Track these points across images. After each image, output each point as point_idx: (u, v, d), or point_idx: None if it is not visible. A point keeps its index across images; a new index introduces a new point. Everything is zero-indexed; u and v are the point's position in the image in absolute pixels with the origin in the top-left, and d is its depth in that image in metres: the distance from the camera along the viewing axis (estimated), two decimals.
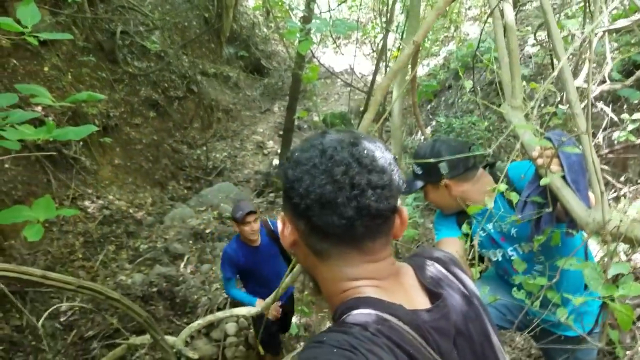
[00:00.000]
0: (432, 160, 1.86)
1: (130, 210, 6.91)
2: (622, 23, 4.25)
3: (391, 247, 0.97)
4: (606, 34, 4.01)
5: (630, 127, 3.97)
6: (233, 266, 3.72)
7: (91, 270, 5.84)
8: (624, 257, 3.19)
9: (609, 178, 4.07)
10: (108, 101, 7.66)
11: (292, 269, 2.28)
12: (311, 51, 7.24)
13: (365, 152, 0.88)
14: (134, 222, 6.78)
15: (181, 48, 9.70)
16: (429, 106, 9.35)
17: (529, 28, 7.88)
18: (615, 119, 4.22)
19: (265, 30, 13.41)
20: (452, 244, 1.88)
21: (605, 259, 1.38)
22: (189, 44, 10.12)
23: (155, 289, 5.62)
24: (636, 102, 4.72)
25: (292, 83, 7.64)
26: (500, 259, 2.07)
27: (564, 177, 1.52)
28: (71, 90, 6.89)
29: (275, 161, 9.46)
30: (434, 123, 8.68)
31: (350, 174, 0.84)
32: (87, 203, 6.49)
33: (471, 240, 1.78)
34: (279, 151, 9.31)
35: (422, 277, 1.00)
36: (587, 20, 5.44)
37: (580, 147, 1.46)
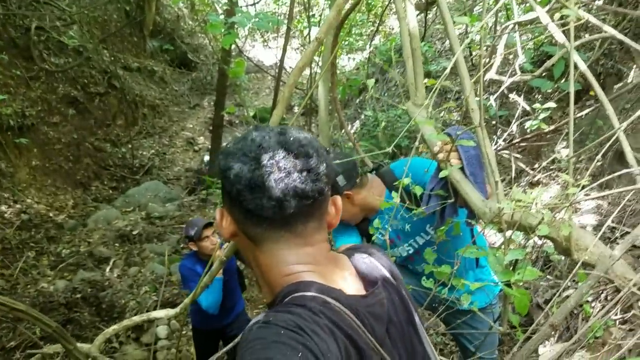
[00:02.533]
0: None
1: (51, 214, 6.59)
2: (530, 16, 4.44)
3: (327, 235, 1.01)
4: (517, 26, 4.19)
5: (542, 115, 4.17)
6: (197, 279, 3.36)
7: (10, 278, 5.54)
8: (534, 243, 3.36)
9: (523, 166, 4.27)
10: (24, 100, 7.25)
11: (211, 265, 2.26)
12: (237, 45, 7.14)
13: (292, 139, 0.93)
14: (55, 226, 6.47)
15: (101, 42, 9.31)
16: (357, 100, 9.45)
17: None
18: (528, 108, 4.41)
19: (190, 23, 13.09)
20: None
21: (504, 247, 1.44)
22: (110, 38, 9.72)
23: (79, 295, 5.40)
24: (549, 91, 4.96)
25: (219, 78, 7.51)
26: (403, 254, 2.15)
27: (463, 170, 1.58)
28: None
29: (207, 157, 9.28)
30: (362, 117, 8.80)
31: (277, 159, 0.90)
32: (3, 208, 6.13)
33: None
34: (210, 147, 9.14)
35: (357, 266, 1.05)
36: (500, 14, 5.66)
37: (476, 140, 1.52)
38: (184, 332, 5.24)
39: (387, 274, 1.08)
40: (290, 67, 13.12)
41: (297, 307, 0.86)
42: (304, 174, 0.91)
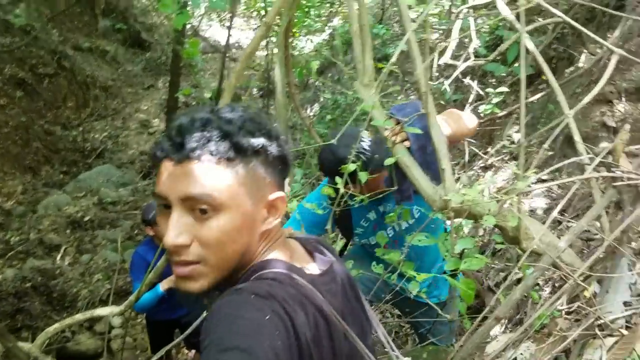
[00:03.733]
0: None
1: None
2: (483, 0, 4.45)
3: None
4: (471, 10, 4.21)
5: (495, 100, 4.22)
6: (144, 270, 3.09)
7: None
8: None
9: (477, 150, 4.32)
10: None
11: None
12: (191, 24, 6.95)
13: (225, 109, 0.91)
14: (3, 212, 6.22)
15: (49, 21, 8.91)
16: (316, 83, 9.38)
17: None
18: (482, 93, 4.45)
19: (144, 1, 12.67)
20: None
21: (453, 235, 1.44)
22: (59, 17, 9.31)
23: (29, 284, 5.22)
24: (504, 75, 5.02)
25: (173, 59, 7.32)
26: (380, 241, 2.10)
27: (414, 155, 1.56)
28: None
29: None
30: (321, 99, 8.74)
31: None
32: None
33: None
34: (164, 130, 8.92)
35: (308, 247, 1.08)
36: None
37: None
38: (139, 321, 5.14)
39: (332, 256, 1.10)
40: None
41: (268, 279, 0.87)
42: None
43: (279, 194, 0.94)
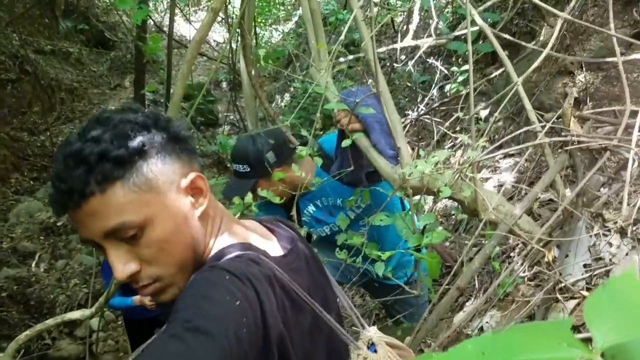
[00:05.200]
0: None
1: None
2: None
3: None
4: None
5: (460, 78, 4.24)
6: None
7: None
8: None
9: (444, 129, 4.35)
10: None
11: None
12: (152, 20, 6.84)
13: (92, 125, 0.86)
14: None
15: (8, 25, 8.68)
16: (285, 73, 9.34)
17: None
18: (447, 72, 4.48)
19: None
20: None
21: (413, 211, 1.45)
22: (18, 21, 9.08)
23: (5, 294, 5.13)
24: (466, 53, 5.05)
25: (136, 56, 7.20)
26: (329, 233, 2.13)
27: (368, 137, 1.57)
28: None
29: None
30: (291, 89, 8.71)
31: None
32: None
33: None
34: None
35: (269, 227, 1.09)
36: None
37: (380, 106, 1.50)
38: (119, 323, 5.10)
39: (296, 235, 1.11)
40: (214, 41, 12.79)
41: (240, 257, 0.87)
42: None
43: (192, 175, 0.91)
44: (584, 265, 1.48)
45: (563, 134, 1.31)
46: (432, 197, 1.68)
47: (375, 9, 1.39)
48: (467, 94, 4.35)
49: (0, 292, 5.13)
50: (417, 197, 1.43)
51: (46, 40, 10.04)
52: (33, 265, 5.71)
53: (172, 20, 4.59)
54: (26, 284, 5.32)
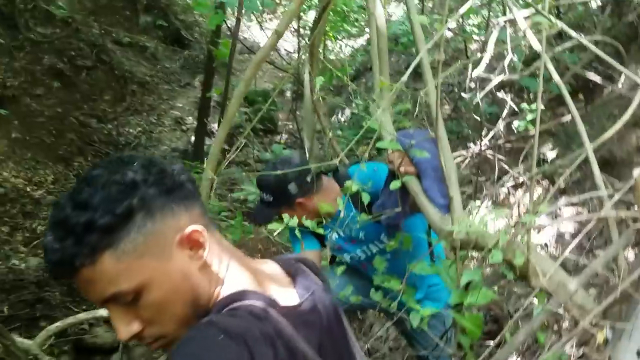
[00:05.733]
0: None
1: (28, 189, 6.45)
2: (521, 14, 4.29)
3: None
4: (507, 23, 4.05)
5: (530, 116, 4.07)
6: None
7: None
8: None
9: (507, 167, 4.17)
10: (6, 69, 7.06)
11: None
12: (227, 24, 6.97)
13: (83, 186, 0.82)
14: (32, 201, 6.34)
15: (91, 14, 9.09)
16: (349, 88, 9.31)
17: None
18: (515, 108, 4.31)
19: None
20: (312, 257, 1.91)
21: (457, 266, 1.35)
22: (100, 11, 9.50)
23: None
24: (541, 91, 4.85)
25: (207, 58, 7.35)
26: (349, 260, 2.10)
27: (420, 181, 1.50)
28: None
29: (193, 138, 9.14)
30: (353, 105, 8.66)
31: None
32: None
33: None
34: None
35: (289, 271, 1.03)
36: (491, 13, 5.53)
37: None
38: None
39: (319, 280, 1.07)
40: (285, 50, 12.94)
41: (243, 313, 0.82)
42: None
43: (189, 229, 0.86)
44: (637, 353, 1.34)
45: (633, 209, 1.18)
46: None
47: (443, 54, 1.31)
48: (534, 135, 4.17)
49: (47, 272, 5.30)
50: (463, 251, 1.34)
51: (125, 32, 10.44)
52: None
53: (237, 26, 4.64)
54: None
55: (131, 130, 9.19)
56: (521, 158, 2.89)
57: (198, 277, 0.87)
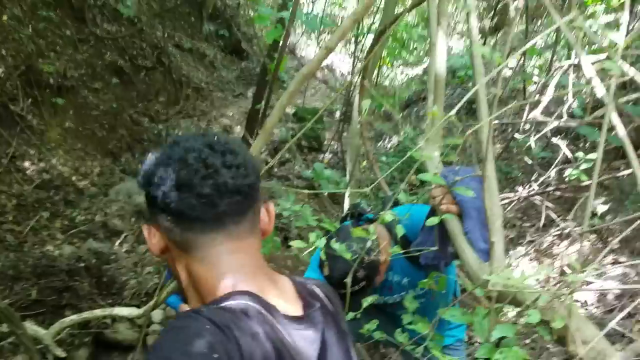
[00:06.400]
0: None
1: (73, 178, 6.60)
2: (588, 59, 4.11)
3: (260, 244, 1.00)
4: (571, 67, 3.91)
5: (584, 166, 3.88)
6: None
7: (19, 235, 5.55)
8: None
9: (554, 216, 3.99)
10: (68, 60, 7.30)
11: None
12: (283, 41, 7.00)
13: (216, 138, 0.93)
14: (75, 190, 6.47)
15: (156, 17, 9.36)
16: (400, 115, 9.23)
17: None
18: (570, 155, 4.13)
19: (251, 12, 13.08)
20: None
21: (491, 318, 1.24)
22: (166, 14, 9.77)
23: (83, 264, 5.36)
24: (597, 141, 4.65)
25: (261, 71, 7.42)
26: (382, 303, 1.99)
27: (462, 222, 1.39)
28: (29, 44, 6.56)
29: None
30: (402, 133, 8.57)
31: (203, 157, 0.88)
32: (26, 164, 6.17)
33: None
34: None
35: (300, 289, 1.02)
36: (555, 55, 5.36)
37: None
38: None
39: (327, 302, 1.05)
40: (340, 71, 12.97)
41: (236, 309, 0.84)
42: (233, 169, 0.89)
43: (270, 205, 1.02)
44: None
45: None
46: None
47: (500, 89, 1.22)
48: (588, 185, 3.97)
49: (79, 262, 5.36)
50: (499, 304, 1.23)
51: (187, 37, 10.70)
52: (117, 243, 5.94)
53: (286, 39, 4.64)
54: (105, 260, 5.53)
55: (180, 133, 9.34)
56: (574, 209, 2.72)
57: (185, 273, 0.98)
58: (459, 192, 1.33)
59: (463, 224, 1.38)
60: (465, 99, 1.26)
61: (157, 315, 5.19)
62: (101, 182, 7.05)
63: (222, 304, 0.85)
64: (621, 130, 1.20)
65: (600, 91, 1.39)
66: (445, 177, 1.39)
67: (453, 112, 1.20)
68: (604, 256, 1.18)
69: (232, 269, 0.91)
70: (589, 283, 3.26)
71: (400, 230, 1.42)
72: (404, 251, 1.52)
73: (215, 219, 0.89)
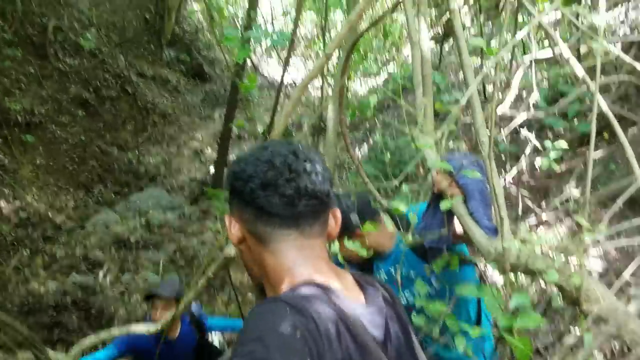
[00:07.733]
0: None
1: (50, 214, 6.53)
2: (547, 54, 4.37)
3: (327, 245, 1.08)
4: (533, 63, 4.14)
5: (554, 155, 4.08)
6: (131, 345, 3.02)
7: (2, 275, 5.46)
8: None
9: (530, 204, 4.18)
10: (34, 97, 7.24)
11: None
12: (250, 60, 7.13)
13: (301, 148, 1.03)
14: (53, 226, 6.40)
15: (117, 47, 9.34)
16: (367, 124, 9.41)
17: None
18: (539, 146, 4.34)
19: (209, 35, 13.15)
20: None
21: (506, 289, 1.35)
22: (126, 44, 9.76)
23: (69, 299, 5.30)
24: (561, 130, 4.88)
25: (230, 91, 7.49)
26: None
27: (466, 204, 1.51)
28: None
29: (212, 169, 9.22)
30: (370, 141, 8.73)
31: (289, 162, 0.98)
32: (2, 203, 6.08)
33: None
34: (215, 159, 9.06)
35: (361, 282, 1.09)
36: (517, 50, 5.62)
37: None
38: None
39: (386, 294, 1.11)
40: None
41: (304, 294, 0.92)
42: (313, 176, 0.99)
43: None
44: None
45: None
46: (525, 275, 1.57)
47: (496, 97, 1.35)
48: (562, 172, 4.18)
49: (65, 296, 5.31)
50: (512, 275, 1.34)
51: (149, 65, 10.70)
52: (100, 275, 5.89)
53: (285, 69, 4.75)
54: (90, 293, 5.48)
55: (151, 160, 9.30)
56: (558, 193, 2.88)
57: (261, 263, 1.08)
58: (465, 175, 1.45)
59: (467, 205, 1.50)
60: (463, 99, 1.38)
61: None
62: (77, 215, 6.98)
63: (295, 292, 0.93)
64: (606, 108, 1.34)
65: (579, 71, 1.54)
66: (449, 162, 1.51)
67: (458, 107, 1.32)
68: (609, 219, 1.30)
69: (300, 262, 0.99)
70: (596, 245, 3.36)
71: (413, 218, 1.52)
72: (414, 234, 1.61)
73: (293, 217, 0.98)
